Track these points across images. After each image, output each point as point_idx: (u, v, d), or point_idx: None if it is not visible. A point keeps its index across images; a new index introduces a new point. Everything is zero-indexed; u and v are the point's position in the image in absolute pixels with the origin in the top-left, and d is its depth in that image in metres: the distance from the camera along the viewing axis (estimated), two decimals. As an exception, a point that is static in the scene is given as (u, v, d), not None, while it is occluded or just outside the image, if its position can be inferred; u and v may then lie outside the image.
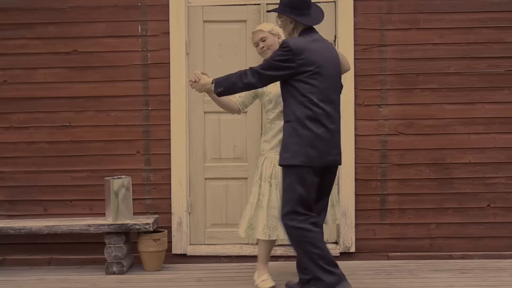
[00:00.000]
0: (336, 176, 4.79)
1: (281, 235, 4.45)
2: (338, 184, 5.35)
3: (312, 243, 4.00)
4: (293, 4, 4.11)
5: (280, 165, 4.12)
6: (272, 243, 4.65)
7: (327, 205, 4.35)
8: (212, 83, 4.20)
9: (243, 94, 4.67)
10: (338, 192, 5.35)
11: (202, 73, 4.31)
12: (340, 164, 4.26)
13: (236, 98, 4.68)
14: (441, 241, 5.43)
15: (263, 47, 4.56)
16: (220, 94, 4.18)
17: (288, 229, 4.05)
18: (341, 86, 4.36)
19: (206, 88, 4.27)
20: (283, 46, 4.02)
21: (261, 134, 5.44)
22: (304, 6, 4.13)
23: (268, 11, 4.38)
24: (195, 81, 4.28)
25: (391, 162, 5.42)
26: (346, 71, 4.46)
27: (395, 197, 5.43)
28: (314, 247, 4.00)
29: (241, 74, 4.08)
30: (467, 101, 5.41)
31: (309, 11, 4.15)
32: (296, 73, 4.01)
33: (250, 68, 4.09)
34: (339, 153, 4.17)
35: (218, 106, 4.67)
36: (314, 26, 4.20)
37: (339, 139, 4.17)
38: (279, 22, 4.29)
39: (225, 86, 4.13)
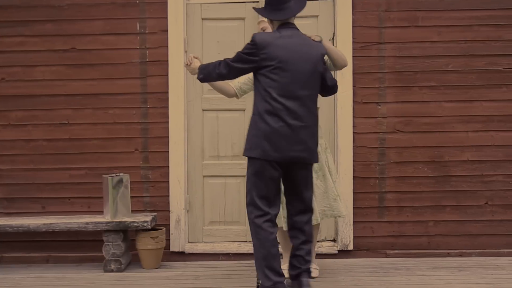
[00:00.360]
0: (335, 173, 4.81)
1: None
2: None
3: (260, 241, 4.07)
4: (267, 1, 4.21)
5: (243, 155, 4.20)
6: (283, 232, 4.75)
7: (307, 206, 4.26)
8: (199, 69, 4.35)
9: (242, 79, 4.71)
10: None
11: (194, 57, 4.45)
12: (311, 162, 4.18)
13: (234, 83, 4.73)
14: (439, 239, 5.44)
15: None
16: (201, 80, 4.33)
17: (248, 220, 4.17)
18: (332, 83, 4.31)
19: (195, 72, 4.39)
20: (251, 40, 4.13)
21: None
22: (274, 2, 4.17)
23: (254, 8, 4.45)
24: (188, 64, 4.44)
25: (389, 160, 5.42)
26: (342, 66, 4.48)
27: (393, 195, 5.43)
28: (261, 246, 4.07)
29: (216, 64, 4.22)
30: (465, 99, 5.41)
31: (284, 6, 4.16)
32: (259, 67, 4.09)
33: (224, 59, 4.21)
34: (306, 150, 4.10)
35: (214, 89, 4.75)
36: (293, 22, 4.23)
37: (308, 136, 4.11)
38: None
39: (204, 74, 4.28)
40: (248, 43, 4.13)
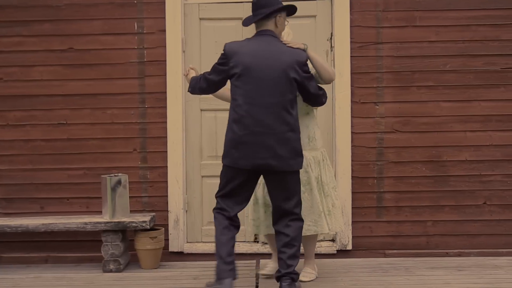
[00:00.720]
0: (331, 187, 4.69)
1: (270, 231, 4.58)
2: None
3: (216, 227, 4.24)
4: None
5: None
6: (270, 237, 4.78)
7: (286, 211, 4.22)
8: None
9: None
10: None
11: (191, 68, 4.55)
12: (281, 169, 4.09)
13: None
14: (437, 239, 5.44)
15: None
16: (190, 92, 4.44)
17: None
18: (315, 92, 4.23)
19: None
20: (223, 50, 4.19)
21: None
22: (253, 8, 4.22)
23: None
24: (185, 75, 4.59)
25: (388, 159, 5.43)
26: (328, 80, 4.35)
27: (391, 195, 5.43)
28: (216, 233, 4.24)
29: (198, 79, 4.33)
30: (463, 98, 5.41)
31: (256, 12, 4.17)
32: (229, 76, 4.15)
33: (204, 73, 4.30)
34: (274, 158, 4.04)
35: (216, 98, 4.79)
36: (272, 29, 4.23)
37: (278, 143, 4.03)
38: None
39: (191, 87, 4.40)
40: (221, 53, 4.19)
